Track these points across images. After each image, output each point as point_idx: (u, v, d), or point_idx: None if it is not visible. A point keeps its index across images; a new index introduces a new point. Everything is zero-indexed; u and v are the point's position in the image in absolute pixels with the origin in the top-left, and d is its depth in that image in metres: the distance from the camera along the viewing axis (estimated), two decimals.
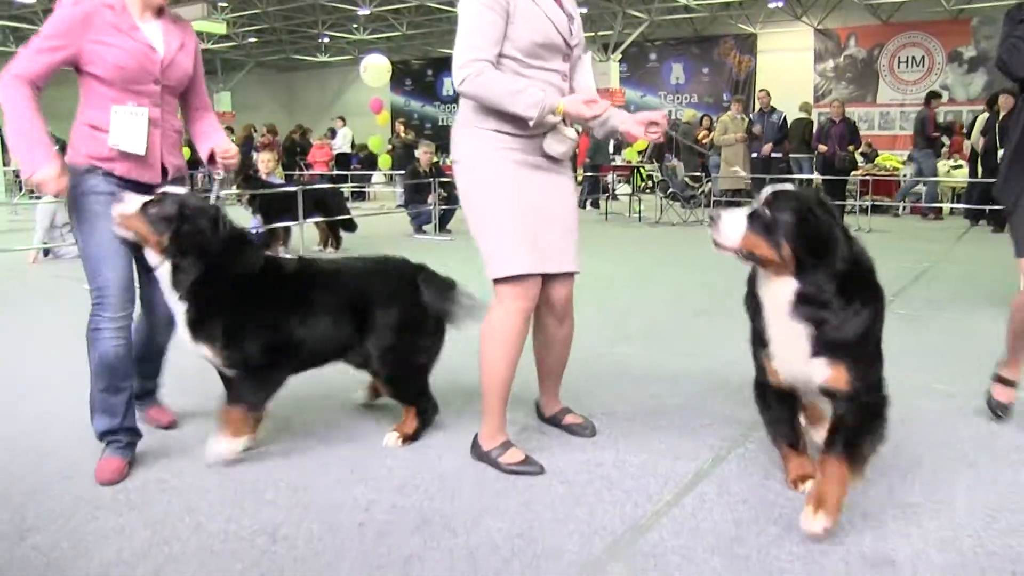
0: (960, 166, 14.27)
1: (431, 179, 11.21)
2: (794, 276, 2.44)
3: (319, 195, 9.92)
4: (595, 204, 16.39)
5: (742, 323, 2.85)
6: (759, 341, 2.72)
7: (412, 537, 2.54)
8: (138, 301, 3.22)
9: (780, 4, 21.98)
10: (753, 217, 2.46)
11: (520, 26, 2.94)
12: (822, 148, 12.95)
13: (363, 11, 22.90)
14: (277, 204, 9.23)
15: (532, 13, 2.97)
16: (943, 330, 5.31)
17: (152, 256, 2.99)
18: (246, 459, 3.17)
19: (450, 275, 3.48)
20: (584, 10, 21.60)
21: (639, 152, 16.81)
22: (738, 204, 13.01)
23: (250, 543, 2.51)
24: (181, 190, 3.05)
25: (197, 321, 3.03)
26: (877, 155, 16.60)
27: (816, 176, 13.66)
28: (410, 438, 3.33)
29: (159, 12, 3.14)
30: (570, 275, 3.26)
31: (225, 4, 22.04)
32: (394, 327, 3.25)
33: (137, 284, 3.15)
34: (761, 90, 14.77)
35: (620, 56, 23.44)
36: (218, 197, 3.30)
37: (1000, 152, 11.28)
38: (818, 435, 2.98)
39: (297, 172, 18.73)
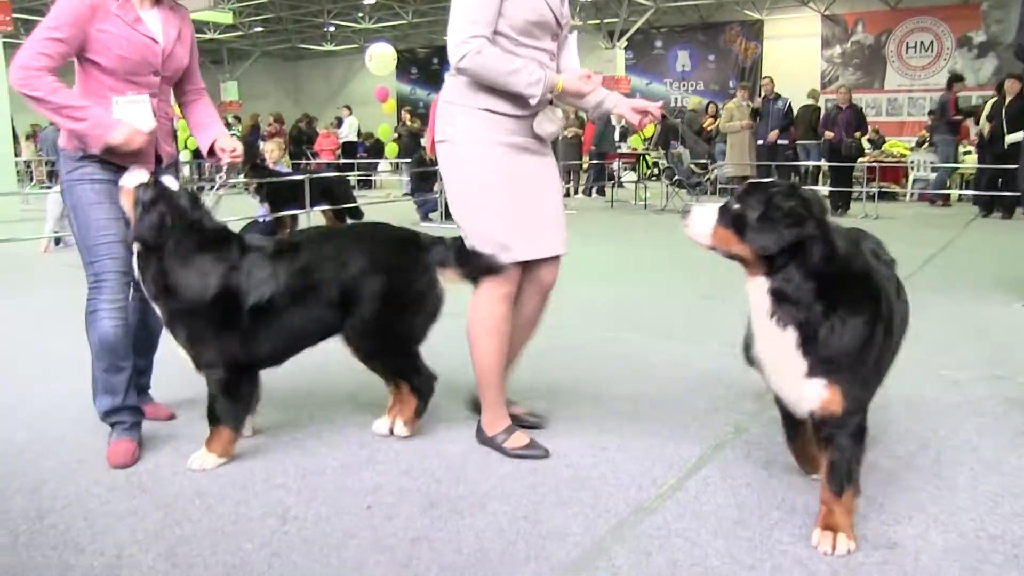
0: (969, 152, 14.22)
1: (437, 167, 11.19)
2: (767, 274, 2.27)
3: (326, 183, 9.96)
4: (601, 192, 16.39)
5: (747, 309, 2.87)
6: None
7: (419, 519, 2.58)
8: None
9: None
10: (724, 211, 2.34)
11: (515, 3, 2.91)
12: (828, 135, 12.91)
13: (368, 0, 22.86)
14: (284, 193, 9.28)
15: None
16: (949, 317, 5.31)
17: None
18: (255, 444, 3.21)
19: None
20: None
21: (645, 139, 16.80)
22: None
23: (260, 524, 2.55)
24: (172, 180, 3.07)
25: (168, 318, 3.03)
26: (884, 141, 16.55)
27: (823, 163, 13.64)
28: (413, 420, 3.25)
29: (157, 0, 3.16)
30: (558, 257, 3.21)
31: None
32: (377, 298, 3.03)
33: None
34: (765, 77, 14.74)
35: (626, 43, 23.39)
36: (221, 187, 3.33)
37: (1007, 138, 11.23)
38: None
39: (304, 161, 18.76)
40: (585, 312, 5.75)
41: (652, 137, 17.06)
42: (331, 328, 3.12)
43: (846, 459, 2.36)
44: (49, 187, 8.28)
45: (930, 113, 18.38)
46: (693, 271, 6.92)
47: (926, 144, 15.38)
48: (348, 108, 21.41)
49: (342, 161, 19.16)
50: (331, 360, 3.55)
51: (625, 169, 17.56)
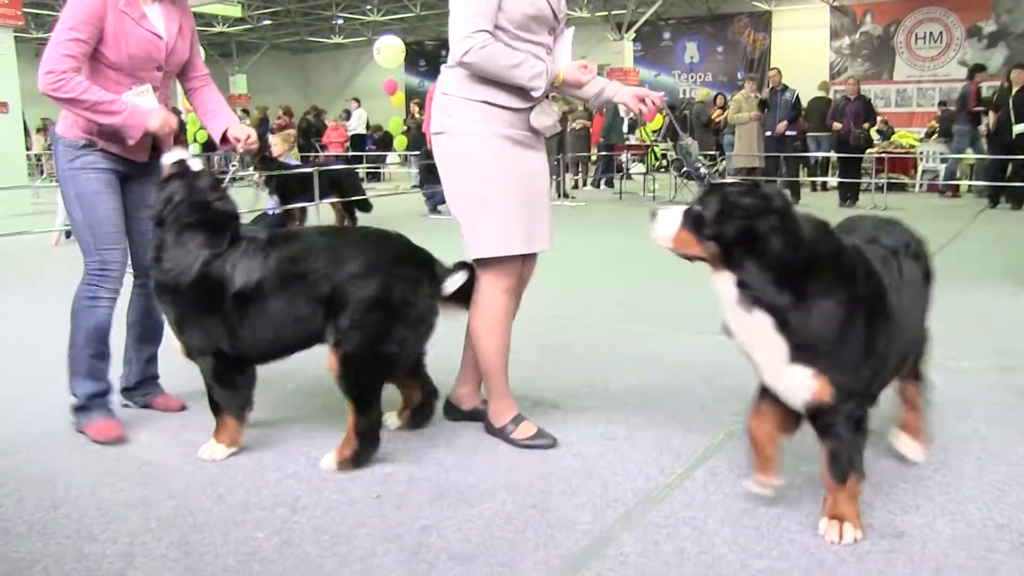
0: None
1: None
2: (730, 270, 2.30)
3: (335, 176, 10.00)
4: (609, 183, 16.36)
5: None
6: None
7: (428, 508, 2.60)
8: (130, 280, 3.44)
9: None
10: (687, 214, 2.37)
11: None
12: (837, 126, 12.86)
13: None
14: (293, 185, 9.33)
15: None
16: (958, 306, 5.29)
17: None
18: (266, 435, 3.24)
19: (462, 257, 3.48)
20: None
21: (653, 131, 16.76)
22: (754, 183, 13.00)
23: (271, 513, 2.58)
24: (199, 164, 3.14)
25: (157, 295, 3.09)
26: (893, 132, 16.48)
27: (832, 154, 13.59)
28: (347, 462, 2.88)
29: None
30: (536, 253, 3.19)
31: None
32: (359, 306, 2.81)
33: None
34: (772, 68, 14.67)
35: (634, 35, 23.32)
36: (232, 180, 3.36)
37: (1015, 128, 11.16)
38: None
39: (312, 153, 18.78)
40: (593, 303, 5.76)
41: (660, 129, 17.04)
42: (316, 330, 2.91)
43: (845, 448, 2.35)
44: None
45: (940, 104, 18.30)
46: (701, 263, 6.90)
47: (935, 135, 15.31)
48: (357, 101, 21.43)
49: (351, 153, 19.18)
50: None
51: (634, 161, 17.53)
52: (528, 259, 3.19)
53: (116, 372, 3.58)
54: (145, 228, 3.29)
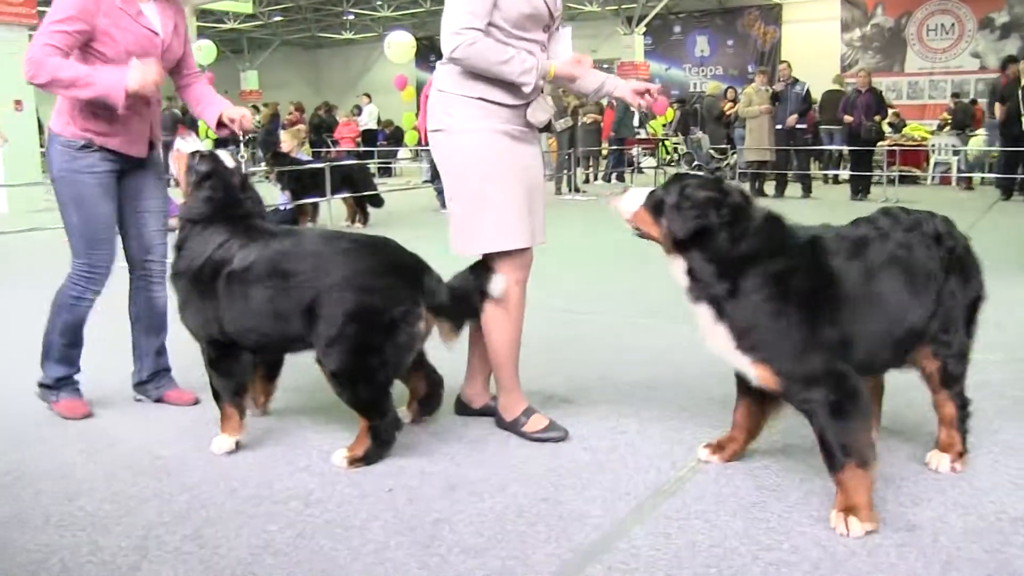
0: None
1: None
2: (681, 255, 2.51)
3: (346, 171, 10.03)
4: (620, 177, 16.35)
5: None
6: None
7: (440, 501, 2.61)
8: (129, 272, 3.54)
9: None
10: (650, 196, 2.59)
11: None
12: (848, 119, 12.79)
13: None
14: (305, 180, 9.35)
15: None
16: None
17: None
18: (278, 429, 3.26)
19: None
20: None
21: (664, 125, 16.73)
22: (763, 176, 12.99)
23: (284, 506, 2.59)
24: (230, 159, 3.19)
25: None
26: (905, 125, 16.40)
27: (844, 147, 13.53)
28: (359, 460, 2.88)
29: None
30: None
31: None
32: (345, 314, 2.78)
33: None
34: (782, 62, 14.61)
35: (644, 29, 23.24)
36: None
37: None
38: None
39: (324, 149, 18.83)
40: (603, 297, 5.76)
41: (671, 123, 17.01)
42: (299, 333, 2.91)
43: (831, 434, 2.37)
44: None
45: (953, 96, 18.20)
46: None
47: (947, 127, 15.23)
48: (368, 96, 21.48)
49: (362, 149, 19.22)
50: None
51: (644, 155, 17.51)
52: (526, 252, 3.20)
53: (127, 369, 3.62)
54: (141, 220, 3.38)
